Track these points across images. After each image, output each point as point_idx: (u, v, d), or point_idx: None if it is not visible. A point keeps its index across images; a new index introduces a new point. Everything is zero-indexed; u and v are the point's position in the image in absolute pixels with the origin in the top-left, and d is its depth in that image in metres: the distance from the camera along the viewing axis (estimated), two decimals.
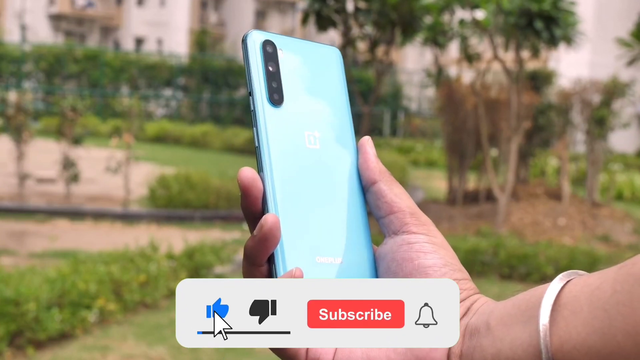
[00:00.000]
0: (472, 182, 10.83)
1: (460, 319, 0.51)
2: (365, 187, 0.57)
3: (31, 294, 4.19)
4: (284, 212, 0.53)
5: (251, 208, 0.53)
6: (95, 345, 4.22)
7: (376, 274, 0.56)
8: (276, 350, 0.52)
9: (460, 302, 0.52)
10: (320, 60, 0.58)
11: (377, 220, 0.57)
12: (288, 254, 0.53)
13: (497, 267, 6.45)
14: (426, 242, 0.54)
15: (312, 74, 0.58)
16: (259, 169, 0.54)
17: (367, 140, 0.58)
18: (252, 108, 0.55)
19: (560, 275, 0.48)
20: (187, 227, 8.16)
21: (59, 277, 4.62)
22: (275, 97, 0.55)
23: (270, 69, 0.55)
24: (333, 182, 0.56)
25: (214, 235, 7.44)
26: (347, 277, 0.55)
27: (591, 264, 6.35)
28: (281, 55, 0.56)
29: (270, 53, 0.56)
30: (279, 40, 0.56)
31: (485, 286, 6.06)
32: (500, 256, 6.49)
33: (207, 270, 5.75)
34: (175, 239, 6.70)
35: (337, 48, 0.60)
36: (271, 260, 0.53)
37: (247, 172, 0.53)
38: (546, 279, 6.36)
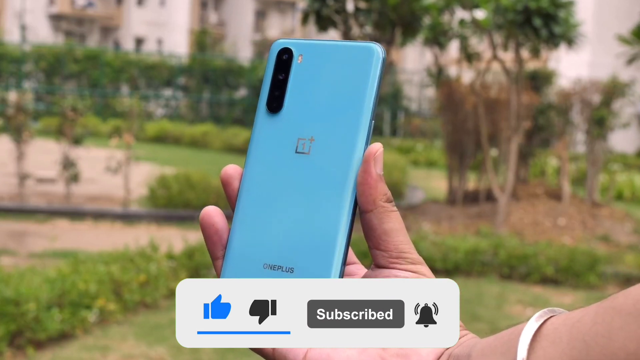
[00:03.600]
0: (472, 182, 10.82)
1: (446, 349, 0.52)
2: (360, 210, 0.54)
3: (31, 294, 4.19)
4: (243, 217, 0.56)
5: (230, 201, 0.57)
6: (95, 345, 4.22)
7: None
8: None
9: None
10: (347, 63, 0.56)
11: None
12: (230, 257, 0.55)
13: (497, 267, 6.44)
14: None
15: (331, 78, 0.56)
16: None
17: (373, 152, 0.53)
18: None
19: (545, 310, 0.48)
20: (187, 227, 8.15)
21: (59, 277, 4.62)
22: (274, 104, 0.57)
23: (280, 77, 0.57)
24: (315, 190, 0.55)
25: None
26: None
27: (591, 264, 6.33)
28: (299, 62, 0.57)
29: (283, 61, 0.57)
30: (301, 47, 0.57)
31: (485, 286, 6.06)
32: (500, 256, 6.48)
33: (207, 271, 5.74)
34: (175, 239, 6.69)
35: (378, 46, 0.56)
36: None
37: (229, 170, 0.56)
38: (546, 279, 6.36)
